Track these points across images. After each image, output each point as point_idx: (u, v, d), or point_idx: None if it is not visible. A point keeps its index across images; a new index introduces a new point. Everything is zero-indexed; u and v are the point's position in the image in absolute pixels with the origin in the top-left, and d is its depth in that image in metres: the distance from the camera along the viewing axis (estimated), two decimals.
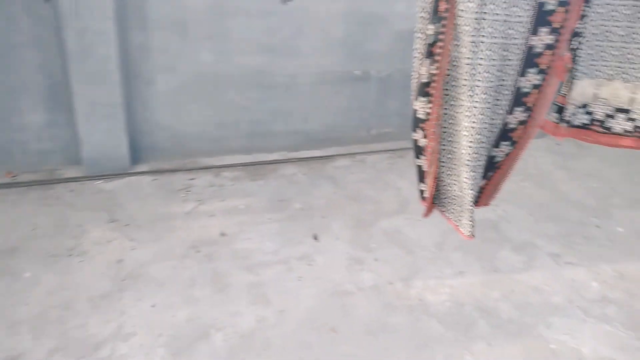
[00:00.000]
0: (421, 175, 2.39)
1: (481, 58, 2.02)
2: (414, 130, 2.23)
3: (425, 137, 2.19)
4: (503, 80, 2.10)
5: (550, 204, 3.70)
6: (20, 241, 3.06)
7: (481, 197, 2.56)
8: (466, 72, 2.01)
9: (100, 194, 3.60)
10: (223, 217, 3.41)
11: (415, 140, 2.27)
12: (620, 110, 2.30)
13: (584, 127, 2.40)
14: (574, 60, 2.24)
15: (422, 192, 2.46)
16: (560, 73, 2.20)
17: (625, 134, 2.31)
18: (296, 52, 4.06)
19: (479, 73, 2.03)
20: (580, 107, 2.38)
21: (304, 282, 2.85)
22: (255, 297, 2.73)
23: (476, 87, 2.05)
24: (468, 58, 1.99)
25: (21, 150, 3.75)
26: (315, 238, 3.26)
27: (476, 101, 2.06)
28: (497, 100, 2.13)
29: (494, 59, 2.06)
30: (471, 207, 2.29)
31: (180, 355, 2.37)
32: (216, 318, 2.58)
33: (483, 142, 2.12)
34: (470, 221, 2.33)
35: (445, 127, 2.22)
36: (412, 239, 3.26)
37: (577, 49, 2.22)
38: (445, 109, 2.15)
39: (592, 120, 2.39)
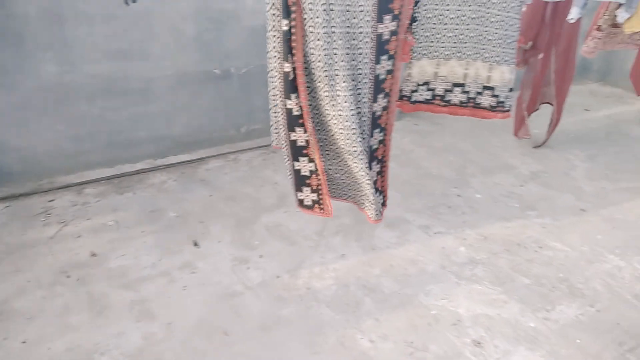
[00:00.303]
0: (300, 181, 2.43)
1: (335, 48, 2.12)
2: (292, 130, 2.26)
3: (305, 132, 2.23)
4: (359, 69, 2.22)
5: (415, 180, 3.99)
6: None
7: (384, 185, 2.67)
8: (325, 63, 2.09)
9: None
10: (91, 237, 3.19)
11: (294, 141, 2.30)
12: (457, 84, 2.61)
13: (426, 102, 2.70)
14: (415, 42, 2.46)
15: (301, 201, 2.50)
16: (405, 56, 2.41)
17: (462, 104, 2.65)
18: (148, 55, 3.89)
19: (336, 62, 2.13)
20: (422, 85, 2.64)
21: (189, 291, 2.78)
22: (138, 314, 2.60)
23: (336, 76, 2.14)
24: (324, 49, 2.07)
25: None
26: (196, 244, 3.18)
27: (338, 90, 2.16)
28: (359, 89, 2.25)
29: (347, 48, 2.17)
30: (371, 192, 2.39)
31: None
32: (98, 342, 2.41)
33: (354, 128, 2.22)
34: (374, 204, 2.44)
35: (314, 120, 2.29)
36: (293, 230, 3.32)
37: (415, 32, 2.44)
38: (309, 102, 2.22)
39: (434, 95, 2.68)
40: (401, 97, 2.66)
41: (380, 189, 2.64)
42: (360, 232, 3.31)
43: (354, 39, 2.13)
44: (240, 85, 4.45)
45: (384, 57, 2.29)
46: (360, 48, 2.17)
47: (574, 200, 3.75)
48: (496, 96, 2.53)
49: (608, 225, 3.44)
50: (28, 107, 3.59)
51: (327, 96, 2.16)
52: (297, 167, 2.40)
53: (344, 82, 2.14)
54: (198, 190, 3.80)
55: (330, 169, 2.47)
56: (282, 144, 2.40)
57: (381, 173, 2.64)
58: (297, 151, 2.34)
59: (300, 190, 2.47)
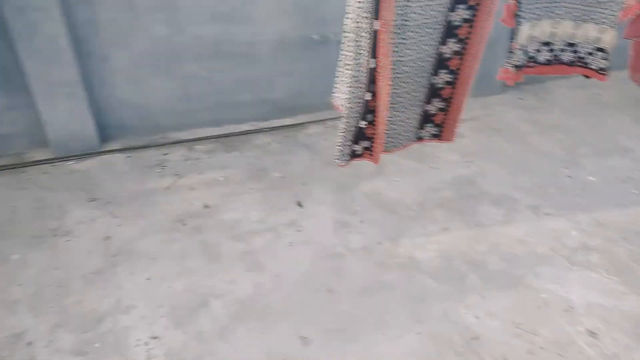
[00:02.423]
0: (360, 135, 2.57)
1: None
2: (369, 89, 2.39)
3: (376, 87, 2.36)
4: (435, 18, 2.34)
5: (522, 157, 3.85)
6: (1, 225, 2.94)
7: (443, 132, 2.77)
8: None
9: (75, 174, 3.49)
10: (204, 190, 3.38)
11: (367, 100, 2.42)
12: (567, 44, 2.70)
13: (527, 65, 2.70)
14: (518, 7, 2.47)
15: (353, 152, 2.64)
16: (509, 20, 2.44)
17: (570, 64, 2.67)
18: (251, 19, 3.98)
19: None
20: (529, 48, 2.63)
21: (295, 247, 2.89)
22: (249, 264, 2.75)
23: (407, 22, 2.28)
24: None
25: None
26: (300, 204, 3.29)
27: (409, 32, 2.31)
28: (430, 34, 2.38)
29: None
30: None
31: (183, 323, 2.38)
32: (213, 286, 2.59)
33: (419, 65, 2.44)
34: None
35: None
36: (393, 199, 3.34)
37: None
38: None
39: (543, 57, 2.68)
40: (508, 66, 2.64)
41: (438, 123, 2.76)
42: (463, 206, 3.26)
43: None
44: (339, 51, 4.46)
45: (462, 6, 2.36)
46: None
47: None
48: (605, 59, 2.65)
49: None
50: (142, 66, 3.83)
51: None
52: (361, 125, 2.49)
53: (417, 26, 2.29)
54: (300, 153, 3.90)
55: (390, 119, 2.59)
56: (349, 104, 2.42)
57: (445, 110, 2.71)
58: (366, 108, 2.45)
59: (357, 143, 2.59)
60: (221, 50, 3.99)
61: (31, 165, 3.52)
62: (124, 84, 3.83)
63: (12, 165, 3.50)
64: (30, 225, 2.96)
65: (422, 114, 2.70)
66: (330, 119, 4.50)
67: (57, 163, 3.60)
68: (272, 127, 4.30)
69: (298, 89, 4.42)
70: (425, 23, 2.32)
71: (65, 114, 3.60)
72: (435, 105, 2.69)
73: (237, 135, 4.15)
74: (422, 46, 2.40)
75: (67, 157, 3.64)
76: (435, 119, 2.75)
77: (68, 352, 2.24)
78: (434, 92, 2.63)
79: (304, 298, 2.55)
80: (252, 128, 4.26)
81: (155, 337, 2.31)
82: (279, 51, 4.19)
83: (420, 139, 2.83)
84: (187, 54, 3.91)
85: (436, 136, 2.83)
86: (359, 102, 2.41)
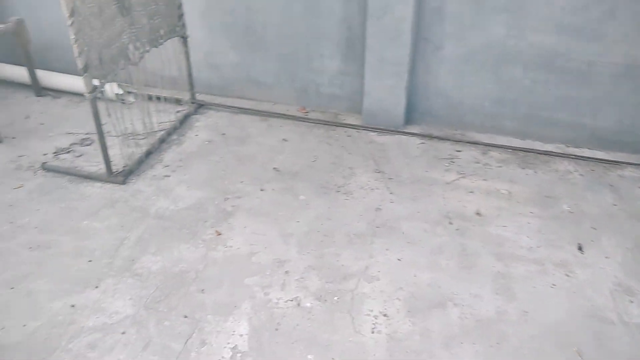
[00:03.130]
0: None
1: None
2: None
3: None
4: None
5: None
6: (301, 168, 3.47)
7: None
8: None
9: (372, 145, 3.82)
10: (482, 197, 3.29)
11: None
12: None
13: None
14: None
15: None
16: None
17: None
18: (601, 36, 3.54)
19: None
20: None
21: (558, 291, 2.58)
22: (500, 287, 2.58)
23: None
24: None
25: (315, 91, 4.20)
26: (580, 249, 2.90)
27: None
28: None
29: None
30: None
31: (415, 314, 2.41)
32: (456, 293, 2.53)
33: None
34: None
35: None
36: None
37: None
38: None
39: None
40: None
41: None
42: None
43: None
44: None
45: None
46: None
47: None
48: None
49: None
50: (468, 61, 3.84)
51: None
52: None
53: None
54: (602, 193, 3.41)
55: None
56: None
57: None
58: None
59: None
60: (554, 62, 3.72)
61: (341, 126, 4.00)
62: (446, 74, 3.95)
63: (327, 121, 4.04)
64: (323, 175, 3.40)
65: None
66: None
67: (361, 130, 3.99)
68: (580, 156, 3.85)
69: (627, 122, 3.82)
70: None
71: (384, 90, 3.93)
72: None
73: (538, 153, 3.86)
74: None
75: (372, 127, 4.00)
76: None
77: (311, 293, 2.52)
78: None
79: (545, 346, 2.27)
80: (557, 150, 3.90)
81: (385, 315, 2.41)
82: (620, 77, 3.68)
83: None
84: (517, 59, 3.77)
85: None
86: None
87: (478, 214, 3.12)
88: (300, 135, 3.88)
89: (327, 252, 2.75)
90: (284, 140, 3.82)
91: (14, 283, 2.59)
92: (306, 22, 3.93)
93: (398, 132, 3.98)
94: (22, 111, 4.21)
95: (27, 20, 4.22)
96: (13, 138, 3.83)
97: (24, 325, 2.35)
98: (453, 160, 3.70)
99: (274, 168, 3.48)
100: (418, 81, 4.00)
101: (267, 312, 2.42)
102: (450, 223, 3.03)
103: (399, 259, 2.73)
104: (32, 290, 2.54)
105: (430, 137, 3.98)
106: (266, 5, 3.95)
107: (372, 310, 2.43)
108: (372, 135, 3.95)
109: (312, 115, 4.13)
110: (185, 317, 2.39)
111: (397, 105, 3.98)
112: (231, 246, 2.81)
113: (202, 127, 3.98)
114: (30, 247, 2.81)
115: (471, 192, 3.33)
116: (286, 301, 2.47)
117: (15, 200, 3.17)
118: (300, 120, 4.05)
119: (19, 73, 4.40)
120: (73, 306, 2.45)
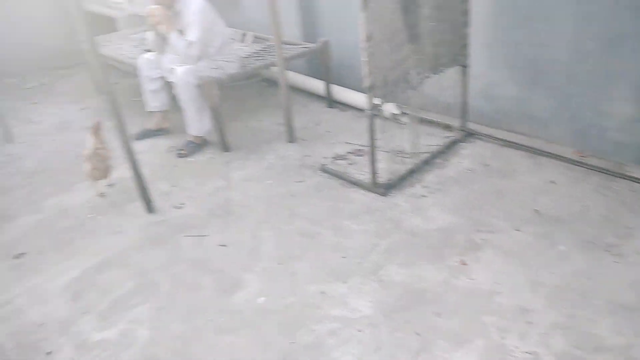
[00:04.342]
0: None
1: None
2: None
3: None
4: None
5: None
6: (566, 216, 3.20)
7: None
8: None
9: None
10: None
11: None
12: None
13: None
14: None
15: None
16: None
17: None
18: None
19: None
20: None
21: None
22: None
23: None
24: None
25: (598, 135, 3.78)
26: None
27: None
28: None
29: None
30: None
31: None
32: None
33: None
34: None
35: None
36: None
37: None
38: None
39: None
40: None
41: None
42: None
43: None
44: None
45: None
46: None
47: None
48: None
49: None
50: None
51: None
52: None
53: None
54: None
55: None
56: None
57: None
58: None
59: None
60: None
61: (625, 178, 3.51)
62: None
63: (608, 170, 3.59)
64: (591, 229, 3.05)
65: None
66: None
67: None
68: None
69: None
70: None
71: None
72: None
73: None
74: None
75: None
76: None
77: (553, 352, 2.29)
78: None
79: None
80: None
81: None
82: None
83: None
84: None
85: None
86: None
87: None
88: (571, 179, 3.57)
89: (581, 315, 2.47)
90: (552, 182, 3.56)
91: (283, 260, 3.05)
92: (599, 61, 3.59)
93: None
94: (315, 119, 4.90)
95: (331, 41, 4.92)
96: (304, 140, 4.50)
97: (283, 298, 2.76)
98: None
99: (535, 210, 3.29)
100: None
101: (501, 356, 2.32)
102: None
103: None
104: (295, 270, 2.96)
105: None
106: (555, 41, 3.75)
107: None
108: None
109: (589, 160, 3.75)
110: (418, 334, 2.46)
111: None
112: (474, 279, 2.77)
113: (467, 155, 4.00)
114: (301, 234, 3.27)
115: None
116: (523, 352, 2.32)
117: (296, 192, 3.73)
118: (575, 164, 3.72)
119: (318, 86, 5.16)
120: (323, 293, 2.77)
